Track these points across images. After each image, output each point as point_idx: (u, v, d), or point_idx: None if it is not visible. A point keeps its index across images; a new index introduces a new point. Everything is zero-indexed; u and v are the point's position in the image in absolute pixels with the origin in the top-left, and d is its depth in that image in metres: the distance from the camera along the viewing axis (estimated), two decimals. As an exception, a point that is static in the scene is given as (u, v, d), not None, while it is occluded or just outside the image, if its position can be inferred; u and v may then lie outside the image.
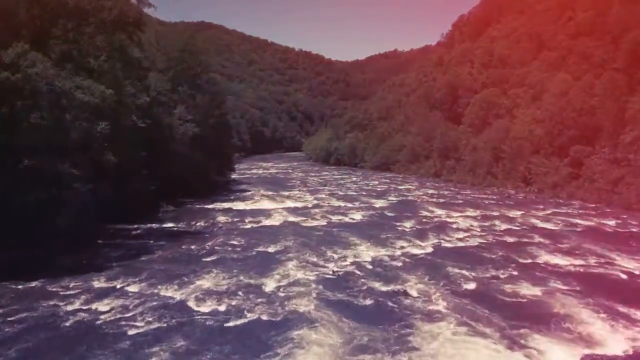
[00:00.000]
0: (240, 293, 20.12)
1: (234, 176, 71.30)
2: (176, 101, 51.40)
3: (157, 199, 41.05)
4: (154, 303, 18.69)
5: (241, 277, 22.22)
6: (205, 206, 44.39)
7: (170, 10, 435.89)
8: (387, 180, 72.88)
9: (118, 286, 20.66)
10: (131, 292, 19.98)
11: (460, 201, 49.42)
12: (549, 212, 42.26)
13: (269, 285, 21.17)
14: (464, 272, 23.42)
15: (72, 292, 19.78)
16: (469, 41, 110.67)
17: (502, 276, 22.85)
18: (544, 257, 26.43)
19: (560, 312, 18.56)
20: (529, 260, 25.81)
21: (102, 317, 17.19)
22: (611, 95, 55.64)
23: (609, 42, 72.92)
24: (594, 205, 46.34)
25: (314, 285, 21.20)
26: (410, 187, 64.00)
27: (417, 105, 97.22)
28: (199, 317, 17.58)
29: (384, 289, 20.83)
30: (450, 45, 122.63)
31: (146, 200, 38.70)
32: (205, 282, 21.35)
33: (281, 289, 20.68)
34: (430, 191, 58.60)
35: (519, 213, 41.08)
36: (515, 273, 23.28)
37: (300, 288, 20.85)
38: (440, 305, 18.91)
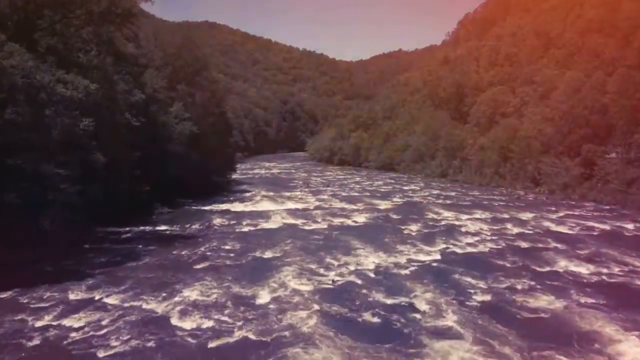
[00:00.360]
0: (229, 305, 18.28)
1: (235, 176, 69.45)
2: (173, 99, 49.65)
3: (151, 201, 39.32)
4: (133, 317, 16.88)
5: (232, 287, 20.38)
6: (203, 208, 42.58)
7: (174, 10, 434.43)
8: (392, 181, 70.97)
9: (97, 297, 18.84)
10: (110, 304, 18.15)
11: (468, 203, 47.44)
12: (561, 214, 40.29)
13: (262, 296, 19.33)
14: (476, 281, 21.52)
15: (45, 304, 17.99)
16: (475, 39, 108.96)
17: (517, 286, 20.92)
18: (562, 265, 24.49)
19: (585, 329, 16.70)
20: (546, 269, 23.85)
21: (72, 334, 15.37)
22: (625, 92, 53.62)
23: (619, 38, 71.05)
24: (608, 207, 44.34)
25: (311, 297, 19.35)
26: (416, 187, 62.04)
27: (422, 104, 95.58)
28: (181, 334, 15.74)
29: (388, 301, 18.94)
30: (455, 44, 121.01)
31: (139, 201, 37.04)
32: (193, 293, 19.51)
33: (275, 302, 18.84)
34: (437, 192, 56.62)
35: (530, 215, 39.09)
36: (532, 283, 21.34)
37: (296, 300, 19.01)
38: (452, 321, 17.02)
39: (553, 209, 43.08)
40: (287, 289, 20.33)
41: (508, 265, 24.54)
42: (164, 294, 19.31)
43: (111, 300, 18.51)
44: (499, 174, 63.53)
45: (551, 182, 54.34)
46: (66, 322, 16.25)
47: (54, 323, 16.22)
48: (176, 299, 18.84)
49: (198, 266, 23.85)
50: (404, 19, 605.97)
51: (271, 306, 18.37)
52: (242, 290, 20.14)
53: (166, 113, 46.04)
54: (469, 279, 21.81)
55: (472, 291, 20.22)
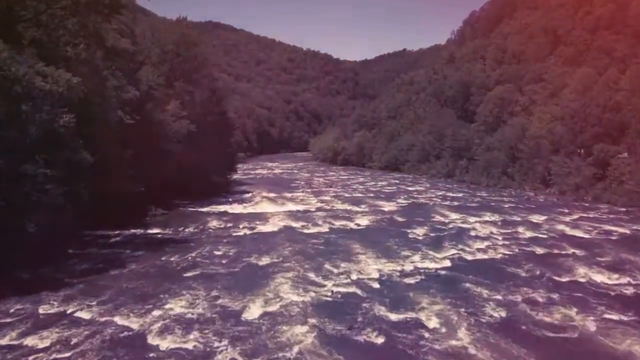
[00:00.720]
0: (216, 321, 16.46)
1: (236, 177, 67.82)
2: (171, 96, 47.93)
3: (145, 202, 37.57)
4: (106, 335, 15.07)
5: (221, 299, 18.57)
6: (199, 209, 40.84)
7: (176, 10, 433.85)
8: (397, 181, 69.04)
9: (70, 311, 17.03)
10: (84, 319, 16.35)
11: (476, 204, 45.51)
12: (575, 216, 38.34)
13: (253, 310, 17.50)
14: (490, 293, 19.61)
15: (11, 319, 16.21)
16: (481, 37, 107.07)
17: (536, 298, 19.03)
18: (582, 273, 22.59)
19: (613, 348, 14.90)
20: (565, 278, 21.93)
21: (34, 356, 13.57)
22: (638, 90, 51.64)
23: (630, 36, 69.24)
24: (624, 209, 42.33)
25: (308, 311, 17.52)
26: (421, 188, 60.08)
27: (428, 103, 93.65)
28: (158, 355, 13.93)
29: (393, 317, 17.04)
30: (461, 42, 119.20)
31: (132, 203, 35.23)
32: (176, 306, 17.70)
33: (268, 315, 17.01)
34: (443, 193, 54.64)
35: (542, 218, 37.14)
36: (551, 295, 19.42)
37: (290, 314, 17.19)
38: (465, 340, 15.15)
39: (566, 211, 41.13)
40: (282, 300, 18.51)
41: (523, 273, 22.64)
42: (146, 307, 17.54)
43: (85, 315, 16.71)
44: (507, 175, 61.61)
45: (562, 183, 52.37)
46: (30, 341, 14.46)
47: (16, 342, 14.43)
48: (158, 312, 17.05)
49: (187, 274, 22.08)
50: (409, 18, 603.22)
51: (263, 321, 16.56)
52: (232, 301, 18.35)
53: (162, 111, 44.35)
54: (480, 290, 19.95)
55: (485, 304, 18.35)
